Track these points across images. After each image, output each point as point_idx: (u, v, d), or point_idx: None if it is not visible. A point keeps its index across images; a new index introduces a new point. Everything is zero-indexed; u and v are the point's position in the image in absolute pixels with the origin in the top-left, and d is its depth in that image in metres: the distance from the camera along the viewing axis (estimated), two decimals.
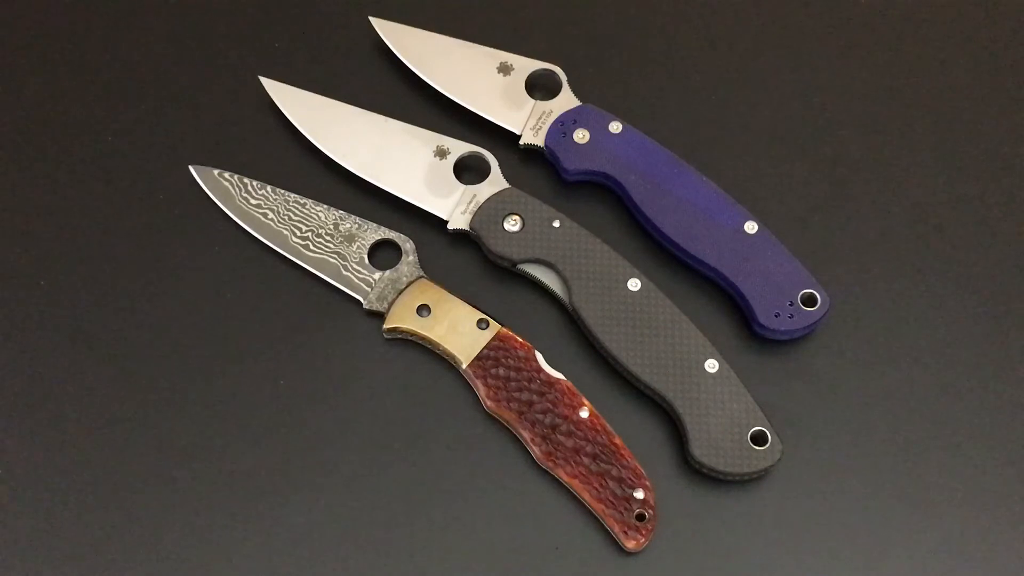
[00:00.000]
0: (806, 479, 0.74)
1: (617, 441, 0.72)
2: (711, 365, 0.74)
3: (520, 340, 0.75)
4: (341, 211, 0.81)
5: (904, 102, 0.87)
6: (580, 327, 0.77)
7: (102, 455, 0.75)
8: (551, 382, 0.74)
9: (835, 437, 0.75)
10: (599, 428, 0.73)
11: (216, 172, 0.82)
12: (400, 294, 0.77)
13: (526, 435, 0.73)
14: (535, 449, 0.73)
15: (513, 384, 0.74)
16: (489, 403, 0.74)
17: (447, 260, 0.81)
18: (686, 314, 0.75)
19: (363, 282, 0.78)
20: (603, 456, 0.72)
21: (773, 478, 0.74)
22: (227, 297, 0.79)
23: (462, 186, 0.80)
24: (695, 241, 0.78)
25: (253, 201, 0.81)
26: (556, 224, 0.78)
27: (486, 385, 0.74)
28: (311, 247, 0.79)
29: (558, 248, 0.77)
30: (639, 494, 0.71)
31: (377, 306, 0.77)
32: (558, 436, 0.72)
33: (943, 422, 0.76)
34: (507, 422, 0.74)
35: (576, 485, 0.72)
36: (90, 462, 0.74)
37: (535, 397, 0.73)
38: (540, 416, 0.73)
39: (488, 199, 0.79)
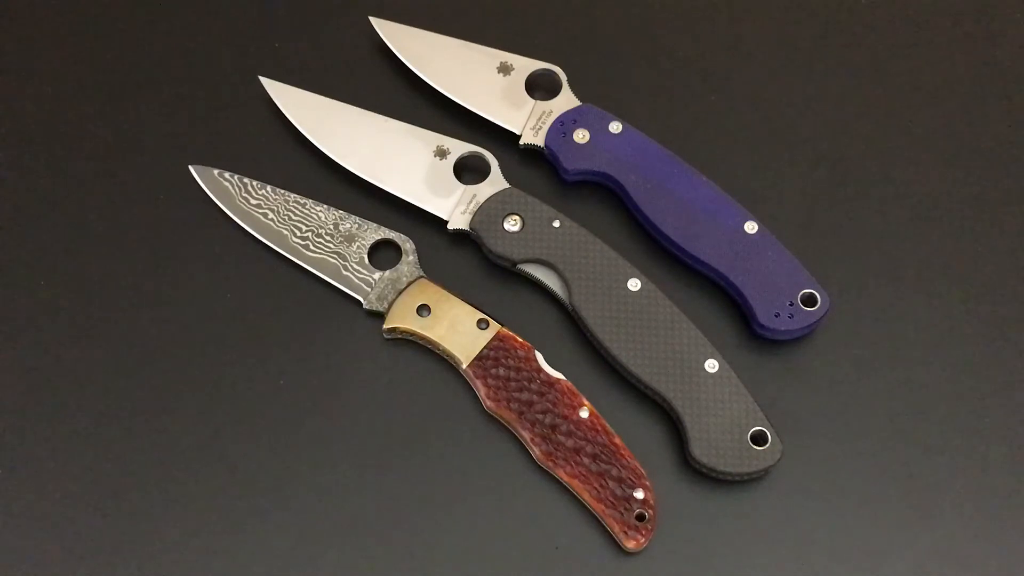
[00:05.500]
0: (806, 479, 0.74)
1: (617, 441, 0.72)
2: (711, 365, 0.74)
3: (520, 340, 0.75)
4: (341, 211, 0.81)
5: (904, 102, 0.87)
6: (580, 327, 0.77)
7: (103, 454, 0.75)
8: (551, 382, 0.74)
9: (835, 437, 0.75)
10: (599, 428, 0.73)
11: (216, 172, 0.82)
12: (400, 294, 0.77)
13: (526, 435, 0.73)
14: (535, 449, 0.73)
15: (513, 384, 0.74)
16: (489, 403, 0.74)
17: (447, 260, 0.81)
18: (686, 314, 0.75)
19: (363, 282, 0.78)
20: (603, 456, 0.72)
21: (773, 478, 0.74)
22: (227, 297, 0.79)
23: (462, 186, 0.80)
24: (695, 241, 0.78)
25: (253, 201, 0.81)
26: (556, 224, 0.78)
27: (486, 385, 0.74)
28: (311, 247, 0.79)
29: (558, 248, 0.77)
30: (639, 494, 0.71)
31: (377, 306, 0.77)
32: (558, 436, 0.72)
33: (943, 422, 0.76)
34: (507, 422, 0.74)
35: (576, 485, 0.72)
36: (90, 461, 0.74)
37: (535, 397, 0.73)
38: (540, 416, 0.73)
39: (488, 199, 0.79)
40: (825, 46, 0.89)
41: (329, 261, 0.79)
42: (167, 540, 0.72)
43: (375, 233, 0.80)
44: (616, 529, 0.71)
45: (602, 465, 0.72)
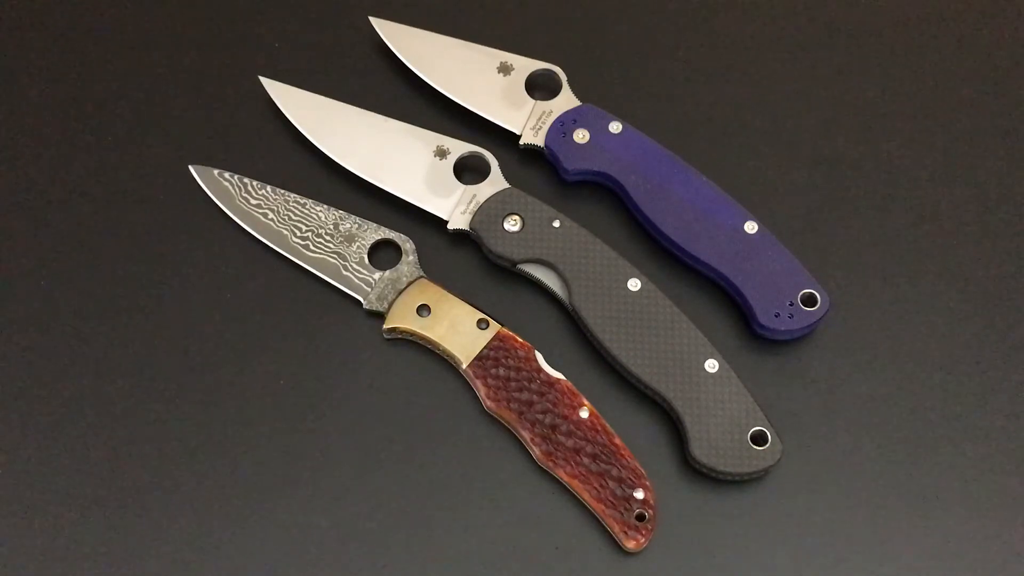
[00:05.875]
0: (806, 479, 0.74)
1: (617, 441, 0.72)
2: (711, 365, 0.74)
3: (520, 340, 0.75)
4: (341, 211, 0.81)
5: (904, 102, 0.87)
6: (580, 327, 0.77)
7: (102, 455, 0.75)
8: (551, 382, 0.74)
9: (835, 437, 0.75)
10: (599, 428, 0.73)
11: (216, 172, 0.82)
12: (400, 294, 0.77)
13: (526, 435, 0.73)
14: (535, 449, 0.73)
15: (513, 384, 0.74)
16: (489, 403, 0.74)
17: (447, 260, 0.81)
18: (686, 314, 0.75)
19: (363, 282, 0.78)
20: (603, 456, 0.72)
21: (773, 478, 0.74)
22: (227, 297, 0.79)
23: (462, 186, 0.80)
24: (695, 241, 0.78)
25: (253, 201, 0.81)
26: (556, 224, 0.78)
27: (486, 385, 0.74)
28: (311, 247, 0.79)
29: (558, 248, 0.77)
30: (639, 494, 0.71)
31: (377, 306, 0.77)
32: (558, 436, 0.72)
33: (943, 422, 0.76)
34: (507, 422, 0.74)
35: (576, 485, 0.72)
36: (90, 462, 0.74)
37: (535, 397, 0.73)
38: (540, 416, 0.73)
39: (488, 199, 0.79)
40: (825, 46, 0.89)
41: (329, 261, 0.79)
42: (167, 540, 0.72)
43: (375, 233, 0.80)
44: (616, 529, 0.71)
45: (602, 465, 0.72)
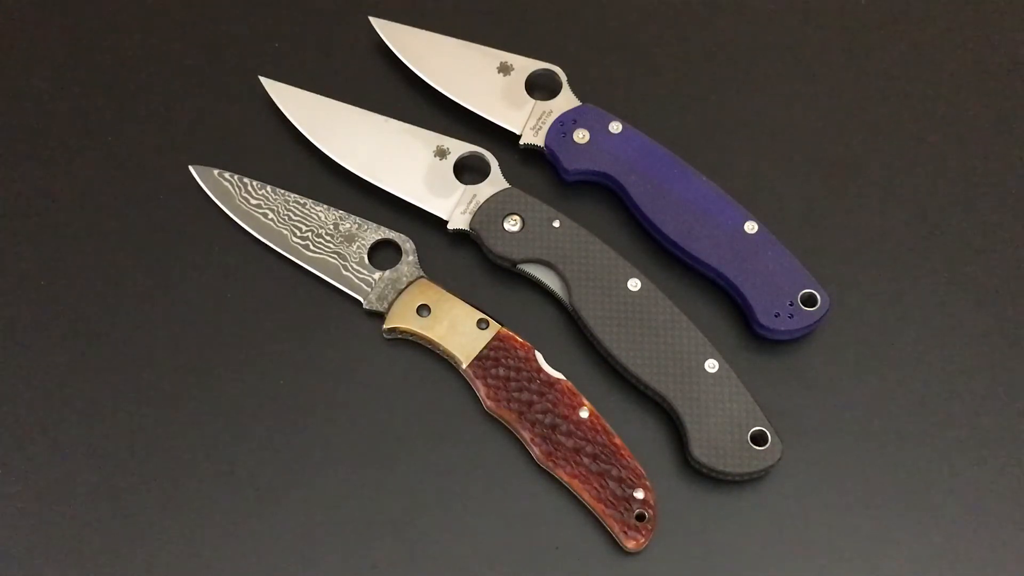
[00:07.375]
0: (806, 479, 0.74)
1: (617, 441, 0.72)
2: (711, 365, 0.74)
3: (520, 340, 0.75)
4: (341, 211, 0.81)
5: (904, 102, 0.87)
6: (580, 327, 0.77)
7: (102, 455, 0.75)
8: (551, 382, 0.74)
9: (835, 437, 0.75)
10: (599, 428, 0.73)
11: (216, 172, 0.82)
12: (400, 294, 0.77)
13: (526, 435, 0.73)
14: (535, 449, 0.73)
15: (513, 384, 0.74)
16: (489, 403, 0.74)
17: (447, 260, 0.81)
18: (686, 314, 0.75)
19: (363, 282, 0.78)
20: (603, 456, 0.72)
21: (773, 478, 0.74)
22: (227, 297, 0.79)
23: (462, 186, 0.80)
24: (695, 241, 0.78)
25: (253, 201, 0.81)
26: (556, 224, 0.78)
27: (486, 385, 0.74)
28: (311, 247, 0.79)
29: (558, 248, 0.77)
30: (639, 494, 0.71)
31: (377, 306, 0.77)
32: (558, 436, 0.72)
33: (943, 422, 0.76)
34: (507, 422, 0.74)
35: (576, 485, 0.72)
36: (90, 462, 0.74)
37: (535, 397, 0.73)
38: (540, 416, 0.73)
39: (488, 199, 0.79)
40: (825, 46, 0.89)
41: (329, 261, 0.79)
42: (167, 540, 0.72)
43: (375, 233, 0.80)
44: (616, 529, 0.71)
45: (602, 465, 0.72)
